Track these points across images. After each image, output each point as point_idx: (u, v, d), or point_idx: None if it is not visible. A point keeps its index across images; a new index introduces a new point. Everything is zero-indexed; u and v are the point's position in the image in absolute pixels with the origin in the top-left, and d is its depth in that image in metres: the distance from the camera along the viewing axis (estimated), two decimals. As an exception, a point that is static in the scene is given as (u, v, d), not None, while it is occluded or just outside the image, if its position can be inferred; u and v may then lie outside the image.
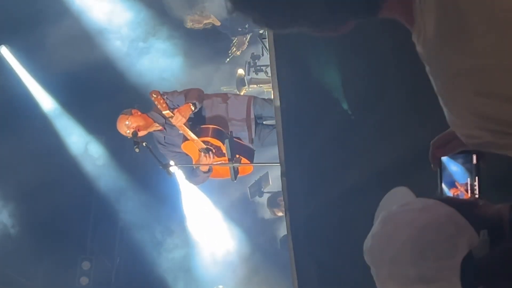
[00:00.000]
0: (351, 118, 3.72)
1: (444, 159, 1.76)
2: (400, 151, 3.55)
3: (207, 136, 5.70)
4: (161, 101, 5.36)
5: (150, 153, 5.42)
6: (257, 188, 7.81)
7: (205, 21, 8.20)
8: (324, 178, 3.79)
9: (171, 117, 5.43)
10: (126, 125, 5.51)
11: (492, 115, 1.20)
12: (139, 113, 5.58)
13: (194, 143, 5.64)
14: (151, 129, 5.73)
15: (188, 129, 5.53)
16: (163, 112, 5.42)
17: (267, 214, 8.16)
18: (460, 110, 1.24)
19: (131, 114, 5.56)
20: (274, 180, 7.77)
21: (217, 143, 5.70)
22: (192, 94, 5.65)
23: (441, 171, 1.76)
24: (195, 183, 6.30)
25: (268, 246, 8.24)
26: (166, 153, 5.94)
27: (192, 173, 5.96)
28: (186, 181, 6.58)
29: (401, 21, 1.31)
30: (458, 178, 1.74)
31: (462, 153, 1.74)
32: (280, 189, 7.12)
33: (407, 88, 3.52)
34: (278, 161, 4.01)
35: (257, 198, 8.01)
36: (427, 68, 1.26)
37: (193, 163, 5.84)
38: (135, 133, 5.42)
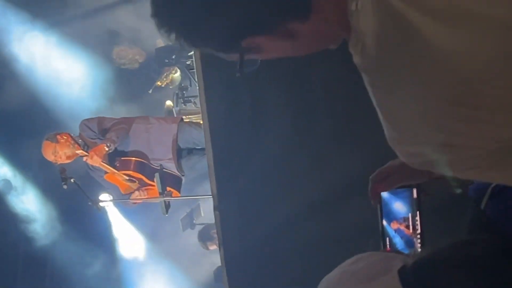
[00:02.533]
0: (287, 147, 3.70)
1: (384, 194, 1.74)
2: (333, 182, 3.55)
3: (128, 169, 5.62)
4: (72, 142, 5.31)
5: (79, 189, 5.31)
6: (189, 220, 7.75)
7: (131, 56, 8.17)
8: (258, 211, 3.75)
9: (85, 156, 5.35)
10: (53, 154, 5.40)
11: (439, 125, 1.15)
12: (65, 137, 5.41)
13: (115, 175, 5.56)
14: (77, 155, 5.60)
15: (106, 165, 5.46)
16: (76, 152, 5.32)
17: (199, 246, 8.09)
18: (403, 122, 1.19)
19: (57, 141, 5.43)
20: (206, 212, 7.72)
21: (139, 176, 5.65)
22: (111, 134, 5.57)
23: (381, 207, 1.74)
24: (127, 206, 6.27)
25: (203, 279, 8.16)
26: (95, 177, 5.84)
27: (122, 206, 5.91)
28: (119, 213, 6.51)
29: (335, 30, 1.26)
30: (399, 213, 1.73)
31: (402, 188, 1.73)
32: (212, 221, 7.09)
33: (338, 117, 3.53)
34: (210, 194, 3.96)
35: (189, 230, 7.92)
36: (367, 79, 1.20)
37: (122, 191, 5.77)
38: (62, 170, 5.29)
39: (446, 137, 1.15)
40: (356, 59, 1.20)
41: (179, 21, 1.28)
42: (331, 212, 3.55)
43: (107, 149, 5.42)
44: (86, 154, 5.35)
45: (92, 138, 5.60)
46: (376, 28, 1.13)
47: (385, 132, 1.24)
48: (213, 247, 7.56)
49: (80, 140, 5.45)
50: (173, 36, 1.31)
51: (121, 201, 5.93)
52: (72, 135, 5.40)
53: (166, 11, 1.28)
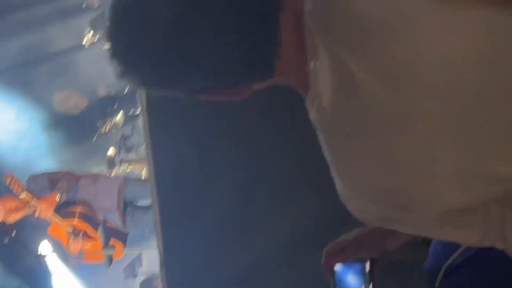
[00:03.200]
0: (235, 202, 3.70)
1: (338, 267, 1.76)
2: (284, 238, 3.56)
3: (72, 219, 5.56)
4: (16, 185, 5.17)
5: (20, 244, 5.21)
6: (131, 270, 7.63)
7: (73, 101, 8.10)
8: (206, 267, 3.73)
9: (34, 206, 5.25)
10: None
11: (387, 187, 1.18)
12: (8, 179, 5.25)
13: (59, 226, 5.47)
14: (24, 213, 5.48)
15: (55, 216, 5.38)
16: (20, 197, 5.21)
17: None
18: (355, 182, 1.22)
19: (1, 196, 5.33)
20: (148, 262, 7.64)
21: (84, 226, 5.57)
22: (61, 184, 5.51)
23: (335, 281, 1.76)
24: (71, 266, 6.12)
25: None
26: (39, 238, 5.73)
27: (64, 258, 5.79)
28: (61, 267, 6.36)
29: (294, 87, 1.28)
30: (353, 287, 1.75)
31: (355, 261, 1.76)
32: (155, 272, 7.01)
33: (289, 173, 3.55)
34: (154, 246, 3.93)
35: (131, 280, 7.80)
36: (320, 136, 1.23)
37: (64, 247, 5.67)
38: (2, 223, 5.19)
39: (398, 199, 1.19)
40: (312, 115, 1.23)
41: (147, 65, 1.25)
42: (282, 268, 3.55)
43: (57, 200, 5.36)
44: (31, 200, 5.24)
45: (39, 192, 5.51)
46: (330, 87, 1.16)
47: (338, 188, 1.26)
48: (155, 299, 7.51)
49: (35, 183, 5.36)
50: (131, 77, 1.29)
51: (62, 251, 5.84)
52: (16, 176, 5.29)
53: (134, 52, 1.25)
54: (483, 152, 1.11)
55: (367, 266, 1.76)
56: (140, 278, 7.76)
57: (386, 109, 1.10)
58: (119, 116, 7.98)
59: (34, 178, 5.57)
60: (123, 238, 5.79)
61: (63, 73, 8.25)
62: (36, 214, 5.30)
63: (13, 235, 5.12)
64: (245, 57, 1.22)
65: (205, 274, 3.73)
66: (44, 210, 5.26)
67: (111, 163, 7.65)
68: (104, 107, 7.67)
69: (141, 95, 3.66)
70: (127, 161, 7.44)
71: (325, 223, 3.42)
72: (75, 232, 5.54)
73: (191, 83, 1.26)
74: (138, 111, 6.86)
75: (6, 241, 5.11)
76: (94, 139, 8.10)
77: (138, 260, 7.70)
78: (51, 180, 5.55)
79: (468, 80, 1.07)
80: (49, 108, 8.22)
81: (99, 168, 7.70)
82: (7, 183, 5.12)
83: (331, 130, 1.20)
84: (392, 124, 1.11)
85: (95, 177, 5.90)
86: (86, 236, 5.60)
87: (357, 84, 1.11)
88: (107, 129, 8.05)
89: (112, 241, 5.42)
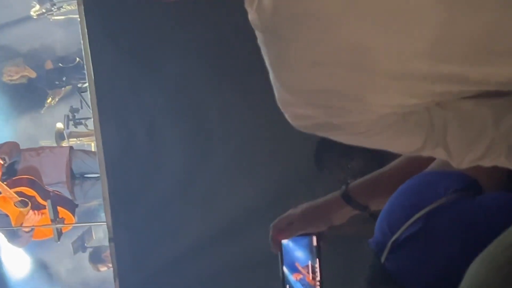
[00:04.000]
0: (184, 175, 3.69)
1: (285, 242, 1.77)
2: (229, 212, 3.57)
3: (20, 186, 5.49)
4: None
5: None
6: (80, 243, 7.58)
7: (21, 73, 7.97)
8: (155, 242, 3.73)
9: None
10: None
11: (330, 88, 1.14)
12: None
13: (7, 196, 5.39)
14: None
15: None
16: None
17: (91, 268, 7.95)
18: (295, 84, 1.17)
19: None
20: (98, 236, 7.61)
21: (32, 193, 5.50)
22: (2, 148, 5.44)
23: (282, 255, 1.76)
24: (19, 245, 6.04)
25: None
26: None
27: (14, 235, 5.71)
28: (9, 245, 6.28)
29: None
30: (300, 261, 1.76)
31: (302, 236, 1.76)
32: (103, 244, 6.99)
33: (235, 148, 3.55)
34: (103, 221, 3.90)
35: (80, 253, 7.76)
36: (260, 38, 1.17)
37: (13, 222, 5.60)
38: None
39: (338, 100, 1.16)
40: (251, 16, 1.15)
41: None
42: (226, 243, 3.57)
43: (2, 162, 5.29)
44: None
45: None
46: None
47: (276, 94, 1.22)
48: (104, 269, 7.49)
49: None
50: None
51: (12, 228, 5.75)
52: None
53: None
54: (433, 51, 1.08)
55: (314, 240, 1.77)
56: (89, 250, 7.73)
57: (335, 7, 1.06)
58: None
59: None
60: (72, 208, 5.74)
61: (12, 45, 8.12)
62: None
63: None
64: None
65: (154, 248, 3.73)
66: None
67: (60, 136, 7.57)
68: (52, 79, 7.56)
69: (88, 67, 3.60)
70: (76, 135, 7.36)
71: (274, 195, 3.46)
72: (24, 202, 5.46)
73: None
74: (86, 84, 6.79)
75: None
76: (42, 112, 8.01)
77: (88, 233, 7.66)
78: None
79: None
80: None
81: (48, 142, 7.62)
82: None
83: (271, 31, 1.14)
84: (339, 22, 1.07)
85: (39, 149, 5.84)
86: (36, 206, 5.53)
87: None
88: (55, 102, 7.96)
89: (61, 213, 5.36)
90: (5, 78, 8.08)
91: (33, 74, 8.10)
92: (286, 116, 1.25)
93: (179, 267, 3.66)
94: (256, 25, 1.16)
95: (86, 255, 7.80)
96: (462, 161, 1.26)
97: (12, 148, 5.52)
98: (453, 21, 1.07)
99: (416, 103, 1.17)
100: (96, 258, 7.68)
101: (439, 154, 1.28)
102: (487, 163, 1.27)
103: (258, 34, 1.18)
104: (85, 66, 3.64)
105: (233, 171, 3.57)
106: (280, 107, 1.24)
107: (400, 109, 1.19)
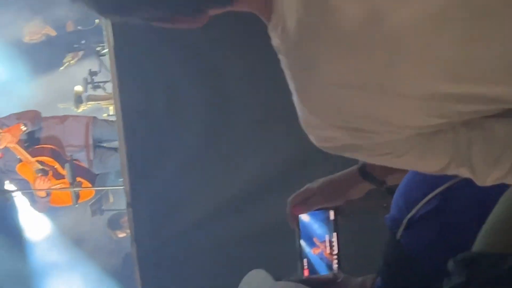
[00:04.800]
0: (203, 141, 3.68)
1: (302, 216, 1.78)
2: (249, 180, 3.58)
3: (42, 155, 5.52)
4: None
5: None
6: (98, 206, 7.62)
7: (42, 32, 7.98)
8: (172, 208, 3.75)
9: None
10: None
11: (356, 111, 1.16)
12: None
13: (28, 164, 5.44)
14: None
15: (21, 149, 5.34)
16: None
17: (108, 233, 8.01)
18: (320, 107, 1.19)
19: None
20: (116, 198, 7.65)
21: (53, 163, 5.55)
22: (25, 115, 5.47)
23: (299, 229, 1.78)
24: (38, 210, 6.11)
25: (110, 265, 8.07)
26: (8, 181, 5.71)
27: (32, 200, 5.78)
28: (28, 207, 6.35)
29: (256, 13, 1.22)
30: (318, 236, 1.77)
31: (320, 210, 1.77)
32: (121, 208, 7.03)
33: (255, 114, 3.55)
34: (121, 184, 3.93)
35: (98, 216, 7.82)
36: (284, 62, 1.19)
37: (33, 188, 5.66)
38: None
39: (363, 123, 1.17)
40: (275, 42, 1.18)
41: None
42: (246, 210, 3.58)
43: (24, 128, 5.34)
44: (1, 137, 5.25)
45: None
46: (297, 10, 1.11)
47: (300, 115, 1.23)
48: (122, 235, 7.53)
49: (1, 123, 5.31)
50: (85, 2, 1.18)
51: (30, 191, 5.80)
52: None
53: None
54: (454, 71, 1.10)
55: (332, 214, 1.78)
56: (107, 214, 7.78)
57: (360, 32, 1.08)
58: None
59: (1, 120, 5.54)
60: (91, 177, 5.79)
61: (32, 5, 8.09)
62: (1, 145, 5.27)
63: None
64: None
65: (171, 214, 3.75)
66: (8, 139, 5.23)
67: (78, 99, 7.59)
68: (71, 42, 7.56)
69: (107, 31, 3.59)
70: (95, 98, 7.37)
71: (293, 164, 3.45)
72: (44, 171, 5.52)
73: (149, 10, 1.18)
74: (106, 50, 6.77)
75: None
76: (60, 72, 8.02)
77: (105, 196, 7.71)
78: (18, 118, 5.51)
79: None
80: (17, 40, 8.11)
81: (67, 104, 7.64)
82: None
83: (294, 55, 1.16)
84: (364, 46, 1.09)
85: (63, 117, 5.88)
86: (56, 174, 5.59)
87: (331, 7, 1.08)
88: (74, 62, 7.96)
89: (80, 180, 5.41)
90: (27, 39, 8.09)
91: (53, 33, 8.11)
92: (311, 138, 1.26)
93: (196, 234, 3.68)
94: (279, 50, 1.18)
95: (104, 218, 7.87)
96: (486, 180, 1.25)
97: (34, 116, 5.56)
98: (475, 41, 1.07)
99: (440, 123, 1.18)
100: (114, 224, 7.74)
101: (463, 173, 1.27)
102: (511, 180, 1.27)
103: (282, 58, 1.19)
104: (104, 30, 3.63)
105: (252, 138, 3.56)
106: (305, 129, 1.25)
107: (425, 129, 1.19)
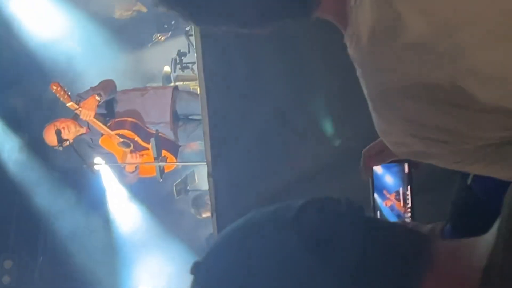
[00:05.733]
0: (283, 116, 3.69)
1: (376, 168, 1.76)
2: (328, 152, 3.57)
3: (122, 128, 5.62)
4: (62, 93, 5.24)
5: (73, 151, 5.33)
6: (183, 186, 7.74)
7: (133, 8, 8.14)
8: (252, 178, 3.77)
9: (77, 110, 5.33)
10: (55, 131, 5.39)
11: (426, 121, 1.18)
12: (55, 86, 5.32)
13: (110, 137, 5.55)
14: (77, 133, 5.61)
15: (100, 123, 5.44)
16: (67, 105, 5.30)
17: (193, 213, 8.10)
18: (392, 116, 1.22)
19: (56, 120, 5.46)
20: (201, 179, 7.73)
21: (133, 136, 5.63)
22: (98, 86, 5.56)
23: (373, 181, 1.76)
24: (127, 182, 6.23)
25: (195, 246, 8.18)
26: (97, 156, 5.84)
27: (121, 173, 5.89)
28: (115, 180, 6.48)
29: (334, 22, 1.28)
30: (391, 188, 1.75)
31: (394, 162, 1.75)
32: (206, 189, 7.09)
33: (336, 91, 3.53)
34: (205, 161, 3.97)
35: (183, 196, 7.94)
36: (359, 71, 1.23)
37: (118, 159, 5.77)
38: (58, 132, 5.31)
39: (434, 133, 1.19)
40: (350, 51, 1.23)
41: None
42: (325, 182, 3.57)
43: (98, 98, 5.41)
44: (77, 107, 5.35)
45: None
46: (370, 22, 1.15)
47: (374, 122, 1.28)
48: (207, 214, 7.59)
49: (69, 93, 5.38)
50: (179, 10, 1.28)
51: (118, 165, 5.93)
52: (62, 85, 5.33)
53: None
54: None
55: (406, 167, 1.76)
56: (192, 194, 7.87)
57: (431, 48, 1.10)
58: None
59: (80, 93, 5.65)
60: (175, 149, 5.85)
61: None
62: (81, 116, 5.37)
63: (67, 143, 5.28)
64: None
65: (251, 184, 3.77)
66: (85, 113, 5.33)
67: (167, 79, 7.71)
68: (161, 22, 7.68)
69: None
70: (183, 78, 7.47)
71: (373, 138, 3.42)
72: (126, 144, 5.60)
73: (241, 19, 1.27)
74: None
75: (60, 148, 5.27)
76: (149, 51, 8.14)
77: (191, 176, 7.80)
78: (93, 89, 5.59)
79: None
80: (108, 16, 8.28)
81: (156, 84, 7.76)
82: (54, 91, 5.21)
83: (368, 67, 1.21)
84: (435, 61, 1.11)
85: (143, 90, 5.95)
86: (138, 148, 5.67)
87: (402, 24, 1.11)
88: (163, 39, 8.06)
89: (164, 153, 5.47)
90: (117, 15, 8.24)
91: (144, 9, 8.25)
92: (385, 142, 1.31)
93: (274, 203, 3.68)
94: (354, 59, 1.23)
95: (189, 198, 7.96)
96: None
97: (107, 85, 5.61)
98: None
99: (509, 134, 1.18)
100: (199, 202, 7.82)
101: None
102: None
103: (356, 67, 1.24)
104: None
105: (331, 111, 3.55)
106: (379, 135, 1.31)
107: (494, 140, 1.20)
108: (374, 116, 1.27)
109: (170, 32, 8.01)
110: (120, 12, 8.19)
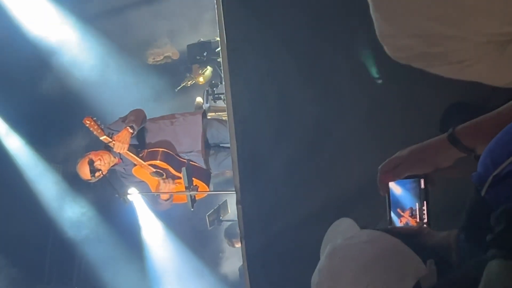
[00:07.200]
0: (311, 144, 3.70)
1: (392, 184, 1.77)
2: (356, 177, 3.56)
3: (154, 159, 5.66)
4: (96, 127, 5.30)
5: (107, 182, 5.38)
6: (216, 216, 7.76)
7: (165, 54, 8.24)
8: (280, 205, 3.78)
9: (110, 143, 5.39)
10: (88, 162, 5.45)
11: (431, 12, 1.18)
12: (88, 121, 5.36)
13: (142, 168, 5.60)
14: (111, 163, 5.67)
15: (133, 155, 5.50)
16: (100, 138, 5.36)
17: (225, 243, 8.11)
18: (396, 11, 1.22)
19: (89, 153, 5.54)
20: (233, 209, 7.73)
21: (165, 166, 5.67)
22: (129, 117, 5.61)
23: (389, 197, 1.77)
24: (161, 209, 6.26)
25: (228, 276, 8.18)
26: (130, 185, 5.89)
27: (154, 202, 5.93)
28: (148, 209, 6.52)
29: None
30: (407, 203, 1.75)
31: (409, 178, 1.75)
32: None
33: (364, 113, 3.54)
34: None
35: (215, 226, 7.96)
36: None
37: (152, 190, 5.81)
38: (91, 162, 5.37)
39: (437, 26, 1.19)
40: None
41: None
42: (351, 209, 3.56)
43: (131, 131, 5.47)
44: (110, 140, 5.42)
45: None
46: None
47: (376, 27, 1.27)
48: (239, 244, 7.58)
49: (102, 126, 5.44)
50: None
51: (151, 194, 5.97)
52: (95, 119, 5.38)
53: None
54: None
55: (422, 183, 1.76)
56: (225, 224, 7.88)
57: None
58: (207, 71, 8.08)
59: (110, 125, 5.70)
60: (206, 178, 5.87)
61: (159, 18, 8.38)
62: (115, 148, 5.43)
63: (100, 173, 5.37)
64: None
65: (279, 211, 3.78)
66: (119, 146, 5.38)
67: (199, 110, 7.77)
68: (193, 54, 7.75)
69: (221, 43, 3.68)
70: (215, 109, 7.53)
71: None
72: (159, 173, 5.64)
73: None
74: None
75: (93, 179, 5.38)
76: (177, 89, 8.24)
77: (223, 206, 7.82)
78: (123, 120, 5.65)
79: None
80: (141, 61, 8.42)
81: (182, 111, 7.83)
82: (87, 125, 5.27)
83: None
84: None
85: (171, 117, 5.98)
86: (170, 177, 5.71)
87: None
88: (191, 82, 8.16)
89: (195, 182, 5.49)
90: (150, 61, 8.37)
91: (176, 56, 8.35)
92: (385, 48, 1.30)
93: (304, 230, 3.69)
94: None
95: (222, 228, 7.98)
96: None
97: (137, 115, 5.66)
98: None
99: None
100: (231, 233, 7.82)
101: None
102: None
103: None
104: (219, 39, 3.72)
105: (361, 137, 3.55)
106: (380, 40, 1.29)
107: (496, 37, 1.19)
108: (375, 19, 1.26)
109: (200, 73, 8.09)
110: (153, 58, 8.34)
